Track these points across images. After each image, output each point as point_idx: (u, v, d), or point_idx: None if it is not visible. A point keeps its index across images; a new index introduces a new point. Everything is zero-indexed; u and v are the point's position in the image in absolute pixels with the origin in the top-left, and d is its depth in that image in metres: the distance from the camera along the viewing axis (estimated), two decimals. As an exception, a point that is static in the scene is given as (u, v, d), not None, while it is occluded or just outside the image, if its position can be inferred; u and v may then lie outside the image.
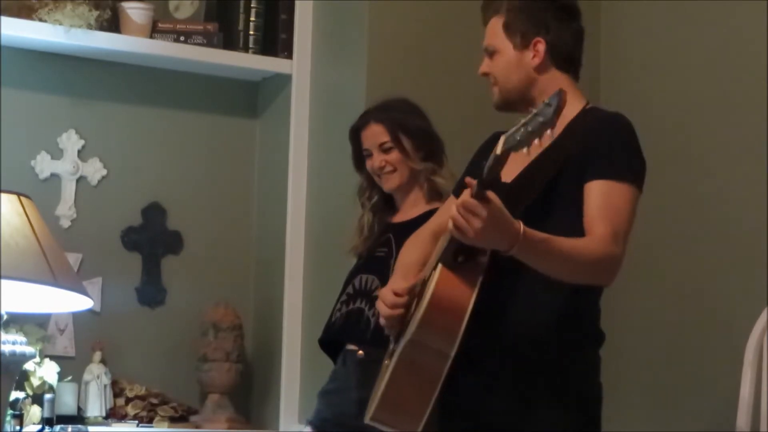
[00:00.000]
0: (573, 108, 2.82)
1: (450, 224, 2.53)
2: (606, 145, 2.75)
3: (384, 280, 3.28)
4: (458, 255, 2.62)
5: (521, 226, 2.52)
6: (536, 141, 2.40)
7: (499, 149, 2.44)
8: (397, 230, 3.44)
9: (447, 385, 2.70)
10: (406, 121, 3.49)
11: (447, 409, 2.78)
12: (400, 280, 2.89)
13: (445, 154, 3.51)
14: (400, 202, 3.53)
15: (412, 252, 3.00)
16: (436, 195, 3.46)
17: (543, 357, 2.74)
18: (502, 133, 2.98)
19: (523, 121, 2.41)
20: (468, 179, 2.54)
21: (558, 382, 2.75)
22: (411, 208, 3.50)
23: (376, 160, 3.48)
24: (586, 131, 2.78)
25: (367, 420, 2.89)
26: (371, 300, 3.36)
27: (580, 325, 2.81)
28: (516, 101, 2.85)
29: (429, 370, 2.69)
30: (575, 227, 2.68)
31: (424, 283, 2.77)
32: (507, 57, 2.84)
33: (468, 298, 2.61)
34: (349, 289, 3.48)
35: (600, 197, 2.67)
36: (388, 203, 3.56)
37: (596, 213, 2.67)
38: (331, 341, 3.51)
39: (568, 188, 2.71)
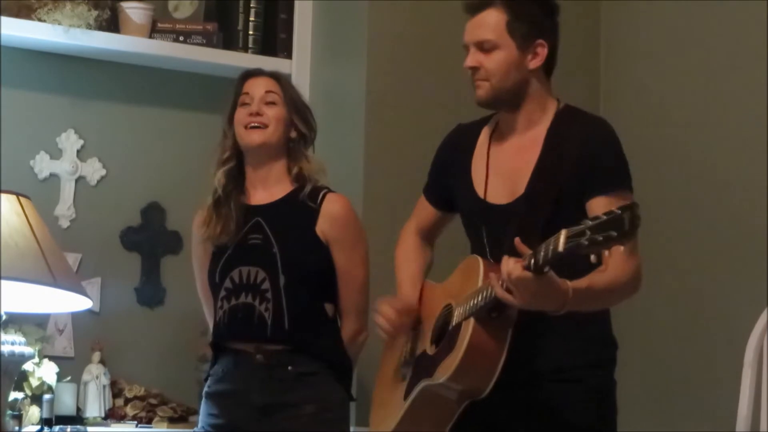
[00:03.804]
0: (549, 110, 2.86)
1: (498, 291, 2.55)
2: (602, 160, 2.76)
3: (272, 273, 3.23)
4: (492, 312, 2.65)
5: (569, 288, 2.56)
6: (606, 253, 2.36)
7: (561, 246, 2.40)
8: (265, 214, 3.31)
9: (479, 410, 2.73)
10: (298, 95, 3.41)
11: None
12: (410, 292, 2.97)
13: (314, 148, 3.45)
14: (263, 173, 3.35)
15: (411, 264, 3.05)
16: (300, 178, 3.34)
17: (585, 379, 2.79)
18: (466, 125, 3.01)
19: (590, 223, 2.35)
20: (519, 244, 2.52)
21: (598, 402, 2.82)
22: (273, 186, 3.35)
23: (254, 106, 3.33)
24: (575, 146, 2.78)
25: None
26: (260, 294, 3.23)
27: (613, 341, 2.88)
28: (505, 101, 2.84)
29: (451, 406, 2.75)
30: None
31: (445, 322, 2.80)
32: (509, 55, 2.81)
33: (501, 351, 2.65)
34: (228, 284, 3.29)
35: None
36: (238, 179, 3.38)
37: None
38: (220, 342, 3.34)
39: (571, 209, 2.72)
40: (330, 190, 3.36)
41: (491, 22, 2.81)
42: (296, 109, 3.38)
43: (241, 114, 3.36)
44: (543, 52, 2.84)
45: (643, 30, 4.29)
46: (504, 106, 2.85)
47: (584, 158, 2.76)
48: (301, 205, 3.30)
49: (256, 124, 3.33)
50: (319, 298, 3.29)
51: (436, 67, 4.16)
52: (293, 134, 3.37)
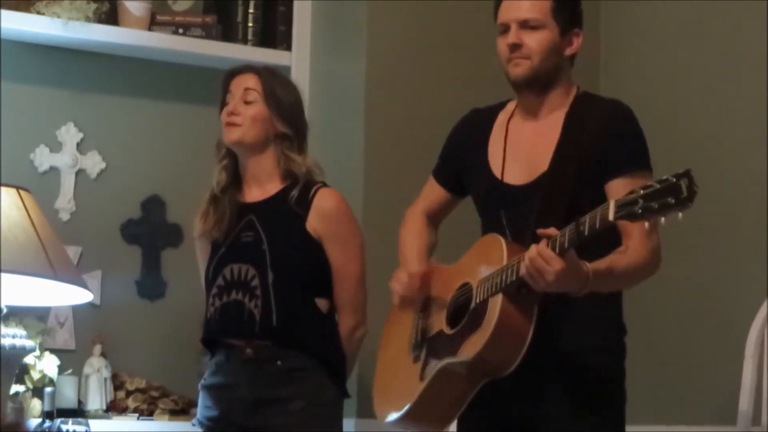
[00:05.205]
0: (570, 95, 2.89)
1: (523, 269, 2.57)
2: (620, 139, 2.79)
3: (261, 270, 3.23)
4: (521, 287, 2.65)
5: (589, 270, 2.58)
6: (662, 220, 2.35)
7: (611, 215, 2.40)
8: (258, 211, 3.30)
9: (493, 394, 2.75)
10: (284, 92, 3.35)
11: (494, 417, 2.83)
12: (415, 263, 2.96)
13: (306, 143, 3.39)
14: (253, 171, 3.33)
15: (416, 241, 3.04)
16: (289, 175, 3.31)
17: (598, 367, 2.81)
18: (481, 109, 3.01)
19: (641, 192, 2.35)
20: (541, 231, 2.55)
21: (608, 387, 2.84)
22: (266, 183, 3.33)
23: (231, 105, 3.32)
24: (595, 126, 2.81)
25: (389, 421, 2.90)
26: (250, 291, 3.23)
27: (623, 327, 2.90)
28: (540, 82, 2.86)
29: (469, 385, 2.76)
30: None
31: (463, 300, 2.79)
32: (552, 38, 2.84)
33: (528, 329, 2.66)
34: (220, 281, 3.28)
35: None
36: (236, 177, 3.37)
37: None
38: (210, 338, 3.33)
39: (592, 189, 2.74)
40: (323, 185, 3.33)
41: (539, 3, 2.84)
42: (277, 106, 3.32)
43: (223, 113, 3.36)
44: (578, 41, 2.89)
45: (642, 30, 4.29)
46: (536, 87, 2.86)
47: (603, 138, 2.79)
48: (292, 202, 3.29)
49: (231, 122, 3.32)
50: (310, 293, 3.27)
51: (436, 59, 4.16)
52: (279, 131, 3.33)
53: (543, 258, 2.53)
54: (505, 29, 2.86)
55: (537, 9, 2.83)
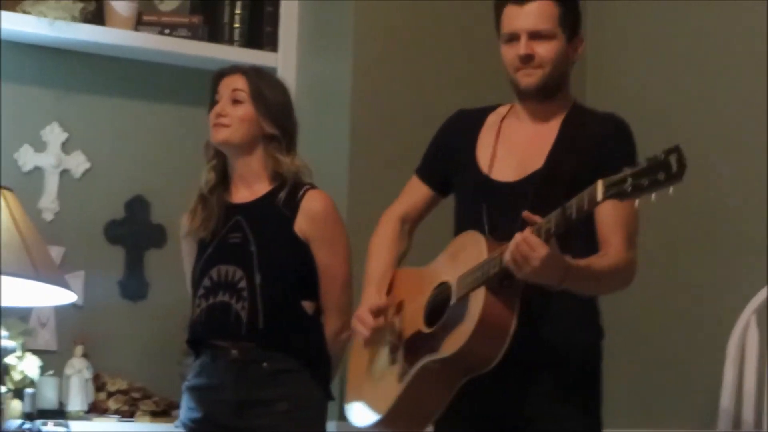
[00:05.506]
0: (567, 102, 2.91)
1: (507, 256, 2.56)
2: (612, 154, 2.77)
3: (248, 271, 3.23)
4: (504, 279, 2.65)
5: (569, 263, 2.59)
6: (652, 196, 2.34)
7: (599, 195, 2.40)
8: (245, 212, 3.29)
9: (472, 393, 2.74)
10: (273, 93, 3.33)
11: (473, 416, 2.82)
12: (375, 294, 2.94)
13: (295, 144, 3.37)
14: (241, 171, 3.32)
15: (382, 255, 3.03)
16: (277, 176, 3.30)
17: (576, 363, 2.80)
18: (468, 110, 3.02)
19: (629, 170, 2.35)
20: (527, 215, 2.55)
21: (588, 387, 2.84)
22: (254, 184, 3.32)
23: (219, 106, 3.30)
24: (592, 133, 2.82)
25: (366, 427, 2.89)
26: (237, 292, 3.22)
27: (601, 329, 2.89)
28: (550, 90, 2.87)
29: (451, 381, 2.75)
30: (591, 236, 2.75)
31: (442, 299, 2.78)
32: (561, 46, 2.85)
33: (510, 321, 2.65)
34: (206, 282, 3.27)
35: (612, 207, 2.66)
36: (224, 177, 3.36)
37: (611, 222, 2.74)
38: (196, 339, 3.32)
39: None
40: (312, 187, 3.32)
41: (547, 12, 2.83)
42: (265, 107, 3.31)
43: (211, 114, 3.35)
44: (581, 48, 2.90)
45: (629, 31, 4.30)
46: (546, 94, 2.87)
47: (600, 144, 2.80)
48: (280, 203, 3.28)
49: (219, 123, 3.31)
50: (297, 296, 3.26)
51: (423, 61, 4.16)
52: (266, 132, 3.32)
53: (528, 244, 2.52)
54: (513, 38, 2.85)
55: (546, 18, 2.83)
